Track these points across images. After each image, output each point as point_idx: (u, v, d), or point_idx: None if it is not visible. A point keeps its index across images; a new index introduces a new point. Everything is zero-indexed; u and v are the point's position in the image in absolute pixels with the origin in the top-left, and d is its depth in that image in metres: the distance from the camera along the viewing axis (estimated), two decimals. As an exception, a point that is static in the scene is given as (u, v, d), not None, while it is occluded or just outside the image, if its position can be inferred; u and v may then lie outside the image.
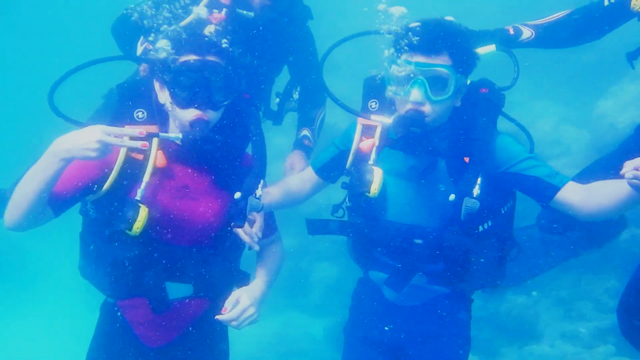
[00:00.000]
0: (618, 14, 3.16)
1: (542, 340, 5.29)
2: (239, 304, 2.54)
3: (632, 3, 2.99)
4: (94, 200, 2.52)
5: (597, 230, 3.88)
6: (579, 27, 3.29)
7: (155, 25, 2.98)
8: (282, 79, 3.73)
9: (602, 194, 2.46)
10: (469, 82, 2.76)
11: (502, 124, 2.83)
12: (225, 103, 2.51)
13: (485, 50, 3.10)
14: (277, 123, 3.73)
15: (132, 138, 2.25)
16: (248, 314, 2.54)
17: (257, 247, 2.64)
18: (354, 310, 3.12)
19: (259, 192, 2.58)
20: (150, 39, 2.59)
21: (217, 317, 2.52)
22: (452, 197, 2.60)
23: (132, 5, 3.20)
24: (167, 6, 3.12)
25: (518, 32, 3.26)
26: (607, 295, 5.32)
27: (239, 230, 2.64)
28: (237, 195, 2.53)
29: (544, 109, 7.99)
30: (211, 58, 2.42)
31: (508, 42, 3.19)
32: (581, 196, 2.54)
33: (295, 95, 3.72)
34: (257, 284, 2.70)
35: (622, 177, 2.24)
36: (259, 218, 2.70)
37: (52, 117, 2.53)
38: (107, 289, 2.63)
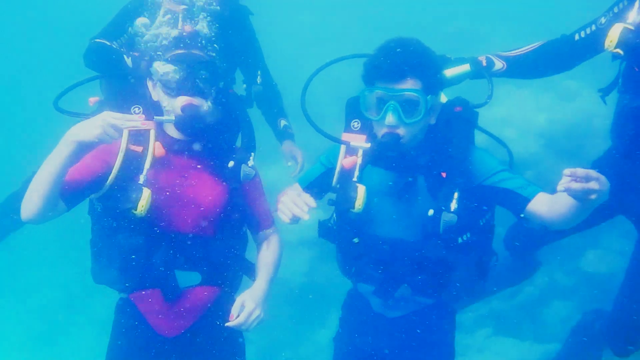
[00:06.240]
0: (589, 48, 3.18)
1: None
2: (244, 308, 2.67)
3: (606, 43, 2.95)
4: (101, 196, 2.69)
5: (516, 270, 4.18)
6: (549, 59, 3.34)
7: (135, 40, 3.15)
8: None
9: (562, 204, 2.47)
10: (445, 99, 2.90)
11: (481, 139, 2.97)
12: (212, 90, 2.73)
13: (459, 70, 3.22)
14: (249, 106, 4.03)
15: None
16: (254, 316, 2.67)
17: (307, 217, 2.58)
18: (344, 321, 3.21)
19: (251, 162, 2.83)
20: (136, 54, 2.94)
21: (226, 324, 2.65)
22: (430, 212, 2.68)
23: (98, 38, 3.45)
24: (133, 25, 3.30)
25: (490, 63, 3.30)
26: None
27: (289, 203, 2.60)
28: (231, 164, 2.80)
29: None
30: (195, 52, 2.71)
31: (481, 73, 3.25)
32: (547, 206, 2.58)
33: (259, 79, 4.03)
34: (259, 284, 2.82)
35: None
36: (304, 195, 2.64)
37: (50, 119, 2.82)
38: (119, 282, 2.78)
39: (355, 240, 2.86)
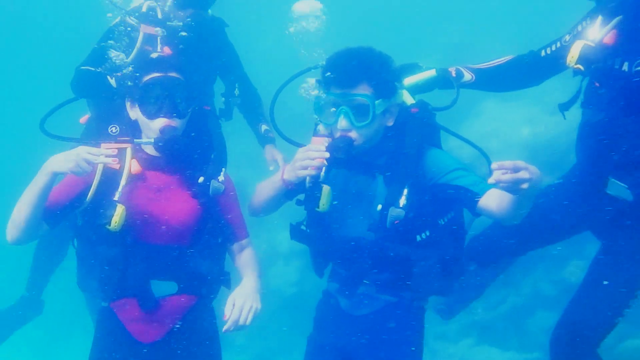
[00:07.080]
0: (554, 64, 3.30)
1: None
2: (234, 306, 2.74)
3: (568, 59, 3.04)
4: (81, 210, 2.84)
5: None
6: (516, 74, 3.45)
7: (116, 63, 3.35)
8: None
9: (506, 198, 2.54)
10: (413, 101, 2.98)
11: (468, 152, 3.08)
12: (188, 111, 2.86)
13: (424, 76, 3.30)
14: (229, 118, 4.24)
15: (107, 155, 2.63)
16: (247, 309, 2.75)
17: (327, 154, 2.73)
18: (316, 320, 3.29)
19: (221, 177, 2.94)
20: (118, 74, 3.08)
21: (224, 328, 2.72)
22: (379, 207, 2.81)
23: (83, 65, 3.60)
24: (114, 50, 3.47)
25: (459, 74, 3.40)
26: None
27: (304, 154, 2.75)
28: (201, 179, 2.92)
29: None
30: (172, 74, 2.85)
31: (449, 82, 3.33)
32: (497, 203, 2.63)
33: (236, 92, 4.20)
34: (245, 281, 2.94)
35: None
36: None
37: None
38: (99, 291, 2.92)
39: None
